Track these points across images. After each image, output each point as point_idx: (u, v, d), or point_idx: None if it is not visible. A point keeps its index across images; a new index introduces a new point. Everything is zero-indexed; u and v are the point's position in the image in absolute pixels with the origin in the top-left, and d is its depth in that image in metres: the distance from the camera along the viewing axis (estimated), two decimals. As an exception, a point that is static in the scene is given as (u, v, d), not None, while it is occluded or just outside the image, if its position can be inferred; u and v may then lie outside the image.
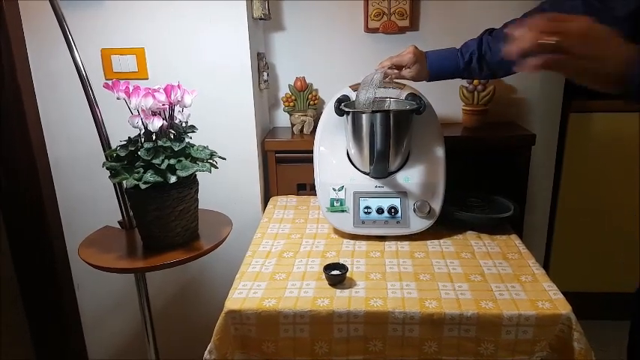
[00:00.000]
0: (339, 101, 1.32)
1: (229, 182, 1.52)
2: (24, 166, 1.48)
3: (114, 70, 1.44)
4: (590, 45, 0.67)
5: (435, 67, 1.26)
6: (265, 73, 1.62)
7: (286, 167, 1.60)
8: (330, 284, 1.05)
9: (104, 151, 1.21)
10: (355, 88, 1.37)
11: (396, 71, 1.27)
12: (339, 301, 0.99)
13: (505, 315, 0.93)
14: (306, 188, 1.61)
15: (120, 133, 1.15)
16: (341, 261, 1.13)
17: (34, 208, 1.52)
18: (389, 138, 1.21)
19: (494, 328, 0.94)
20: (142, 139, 1.11)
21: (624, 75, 0.69)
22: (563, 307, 0.95)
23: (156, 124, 1.07)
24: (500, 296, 0.99)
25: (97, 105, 1.22)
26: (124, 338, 1.72)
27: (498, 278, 1.06)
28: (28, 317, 1.63)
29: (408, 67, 1.26)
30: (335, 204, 1.29)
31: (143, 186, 1.05)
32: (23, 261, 1.57)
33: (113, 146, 1.17)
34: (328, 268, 1.07)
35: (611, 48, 0.69)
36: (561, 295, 0.99)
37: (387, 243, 1.24)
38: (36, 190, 1.51)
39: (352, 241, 1.26)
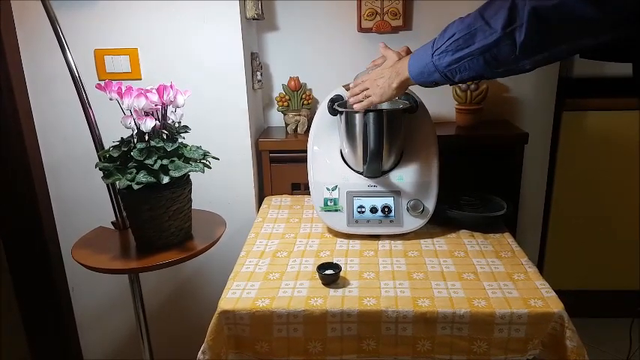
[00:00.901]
0: (333, 101, 1.32)
1: (223, 182, 1.52)
2: (18, 167, 1.48)
3: (107, 71, 1.44)
4: (375, 82, 1.13)
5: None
6: (259, 73, 1.62)
7: (280, 167, 1.60)
8: (323, 284, 1.05)
9: (97, 152, 1.21)
10: (348, 87, 1.37)
11: None
12: (332, 300, 0.99)
13: (498, 313, 0.94)
14: (300, 188, 1.61)
15: (113, 133, 1.15)
16: (335, 260, 1.13)
17: (28, 209, 1.52)
18: (382, 137, 1.21)
19: (486, 326, 0.94)
20: (135, 140, 1.11)
21: (409, 77, 1.04)
22: (556, 305, 0.95)
23: (148, 124, 1.07)
24: (492, 294, 0.99)
25: (89, 106, 1.21)
26: (120, 338, 1.72)
27: (491, 277, 1.06)
28: (24, 318, 1.62)
29: None
30: (329, 203, 1.29)
31: (136, 186, 1.04)
32: (18, 263, 1.57)
33: (107, 147, 1.17)
34: (322, 267, 1.07)
35: (389, 72, 1.10)
36: (554, 293, 0.99)
37: (380, 242, 1.25)
38: (30, 191, 1.51)
39: (346, 241, 1.26)
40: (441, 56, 0.95)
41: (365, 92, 1.16)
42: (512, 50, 0.83)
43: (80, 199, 1.56)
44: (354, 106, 1.19)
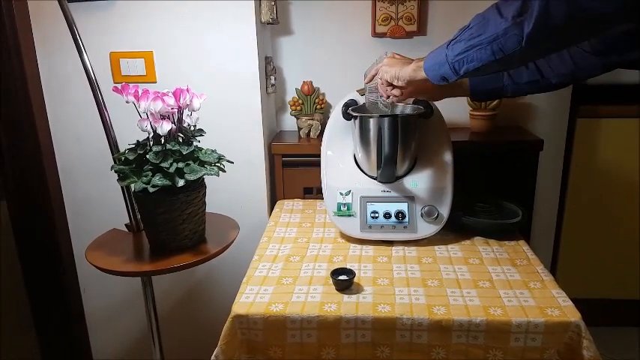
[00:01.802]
0: (347, 105, 1.32)
1: (236, 186, 1.52)
2: (32, 168, 1.49)
3: (122, 74, 1.45)
4: (397, 78, 1.08)
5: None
6: (273, 77, 1.62)
7: (293, 171, 1.60)
8: (337, 289, 1.05)
9: (112, 154, 1.21)
10: (362, 92, 1.37)
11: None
12: (346, 306, 0.98)
13: (514, 322, 0.93)
14: (313, 192, 1.61)
15: (128, 136, 1.16)
16: (348, 266, 1.13)
17: (41, 211, 1.53)
18: (397, 142, 1.21)
19: (502, 335, 0.93)
20: (151, 143, 1.11)
21: (422, 65, 1.01)
22: (573, 315, 0.94)
23: (165, 127, 1.07)
24: (508, 303, 0.98)
25: (105, 108, 1.22)
26: (130, 340, 1.73)
27: (507, 284, 1.05)
28: (35, 319, 1.63)
29: None
30: (342, 208, 1.29)
31: (151, 189, 1.05)
32: (30, 263, 1.57)
33: (122, 149, 1.18)
34: (335, 273, 1.07)
35: (409, 70, 1.05)
36: (570, 302, 0.98)
37: (394, 248, 1.24)
38: (44, 193, 1.52)
39: (359, 246, 1.25)
40: (454, 46, 0.92)
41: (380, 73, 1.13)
42: (519, 41, 0.81)
43: (94, 201, 1.57)
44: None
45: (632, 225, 1.87)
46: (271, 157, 1.59)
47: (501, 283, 1.06)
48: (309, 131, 1.66)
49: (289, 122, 1.77)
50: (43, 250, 1.57)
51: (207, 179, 1.18)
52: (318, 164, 1.36)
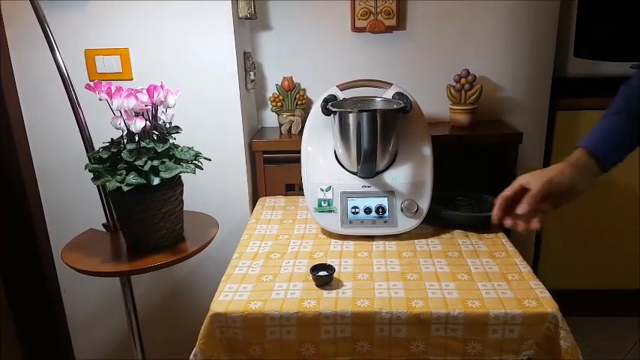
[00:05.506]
0: (326, 101, 1.31)
1: (217, 183, 1.51)
2: (8, 169, 1.46)
3: (98, 71, 1.43)
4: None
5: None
6: (252, 73, 1.61)
7: (274, 167, 1.59)
8: (317, 285, 1.04)
9: (87, 153, 1.19)
10: (343, 87, 1.36)
11: None
12: (325, 302, 0.98)
13: (492, 314, 0.93)
14: (295, 188, 1.60)
15: (105, 134, 1.14)
16: (329, 262, 1.12)
17: (19, 211, 1.50)
18: (376, 137, 1.20)
19: (480, 327, 0.94)
20: (125, 141, 1.09)
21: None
22: (550, 306, 0.94)
23: (138, 125, 1.05)
24: (486, 295, 0.98)
25: (79, 107, 1.20)
26: (112, 340, 1.71)
27: (485, 277, 1.06)
28: (16, 321, 1.61)
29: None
30: (322, 204, 1.28)
31: (126, 188, 1.03)
32: (9, 264, 1.55)
33: (97, 148, 1.16)
34: (315, 269, 1.06)
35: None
36: (548, 294, 0.99)
37: (374, 243, 1.24)
38: (21, 193, 1.49)
39: (340, 242, 1.25)
40: None
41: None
42: None
43: (71, 201, 1.54)
44: None
45: (613, 216, 1.89)
46: (252, 154, 1.58)
47: (480, 275, 1.06)
48: (291, 127, 1.65)
49: (270, 118, 1.76)
50: (22, 251, 1.54)
51: (188, 177, 1.17)
52: (299, 160, 1.35)
